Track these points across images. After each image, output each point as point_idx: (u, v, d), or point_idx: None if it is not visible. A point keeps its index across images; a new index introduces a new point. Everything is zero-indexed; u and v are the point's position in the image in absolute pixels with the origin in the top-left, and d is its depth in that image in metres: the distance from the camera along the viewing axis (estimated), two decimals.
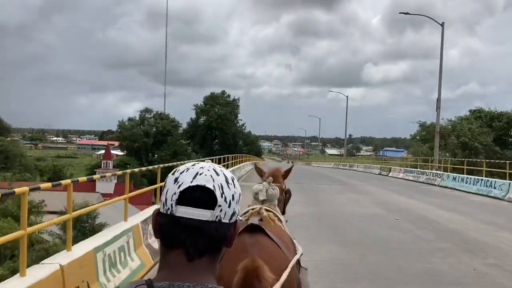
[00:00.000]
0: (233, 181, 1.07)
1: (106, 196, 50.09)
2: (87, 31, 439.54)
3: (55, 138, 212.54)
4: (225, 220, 1.03)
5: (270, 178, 3.35)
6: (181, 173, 1.06)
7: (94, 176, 7.95)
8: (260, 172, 3.66)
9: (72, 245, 5.21)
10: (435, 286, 6.69)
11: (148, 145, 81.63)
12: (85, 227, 25.55)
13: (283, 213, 3.55)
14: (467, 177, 22.08)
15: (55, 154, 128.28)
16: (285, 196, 3.68)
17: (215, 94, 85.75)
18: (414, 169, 30.32)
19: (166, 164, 11.12)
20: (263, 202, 3.22)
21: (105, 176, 7.63)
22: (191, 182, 1.02)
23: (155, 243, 7.46)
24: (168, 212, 1.02)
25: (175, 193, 1.02)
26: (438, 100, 28.25)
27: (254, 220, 2.84)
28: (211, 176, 1.04)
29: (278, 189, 3.32)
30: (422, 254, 8.47)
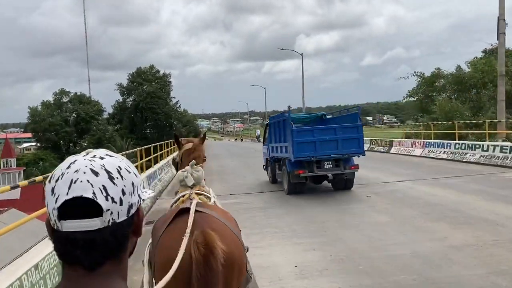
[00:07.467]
0: (119, 172, 0.92)
1: (8, 204, 39.15)
2: (7, 19, 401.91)
3: None
4: (121, 219, 0.91)
5: (193, 161, 3.27)
6: (56, 180, 0.90)
7: None
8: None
9: None
10: None
11: (70, 135, 69.69)
12: None
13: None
14: None
15: None
16: None
17: (142, 69, 74.27)
18: (449, 141, 19.27)
19: None
20: (192, 187, 3.17)
21: None
22: (67, 194, 0.87)
23: None
24: (55, 228, 0.89)
25: (54, 208, 0.88)
26: (502, 19, 17.88)
27: (186, 205, 2.78)
28: (88, 181, 0.88)
29: (202, 170, 3.26)
30: None
